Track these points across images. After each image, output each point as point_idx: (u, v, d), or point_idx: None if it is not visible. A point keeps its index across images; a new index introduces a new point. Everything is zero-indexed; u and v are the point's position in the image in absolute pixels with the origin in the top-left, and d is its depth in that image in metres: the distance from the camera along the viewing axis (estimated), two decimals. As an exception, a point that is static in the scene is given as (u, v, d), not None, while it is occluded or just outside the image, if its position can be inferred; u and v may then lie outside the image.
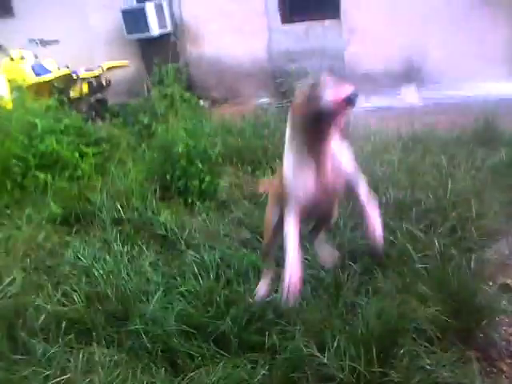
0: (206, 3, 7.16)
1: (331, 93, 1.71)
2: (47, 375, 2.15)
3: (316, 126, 1.81)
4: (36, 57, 6.55)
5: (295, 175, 1.95)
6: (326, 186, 1.96)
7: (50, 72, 6.19)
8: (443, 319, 2.24)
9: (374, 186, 3.15)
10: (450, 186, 2.96)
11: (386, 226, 2.72)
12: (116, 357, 2.25)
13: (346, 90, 1.69)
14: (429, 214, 2.84)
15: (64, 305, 2.62)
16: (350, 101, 1.70)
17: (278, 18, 6.70)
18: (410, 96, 5.83)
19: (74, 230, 3.49)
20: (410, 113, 5.19)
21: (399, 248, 2.66)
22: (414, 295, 2.36)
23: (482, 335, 2.29)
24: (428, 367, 2.04)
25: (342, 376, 1.98)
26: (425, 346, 2.17)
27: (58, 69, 6.30)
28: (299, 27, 6.55)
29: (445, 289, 2.36)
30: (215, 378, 2.05)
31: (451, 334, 2.24)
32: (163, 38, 7.58)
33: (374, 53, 5.92)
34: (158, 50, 7.30)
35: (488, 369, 2.16)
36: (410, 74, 5.86)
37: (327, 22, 6.29)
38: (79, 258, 3.01)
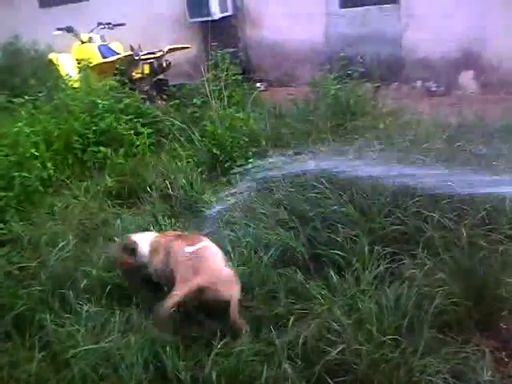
0: (267, -13, 7.23)
1: None
2: (88, 331, 2.41)
3: None
4: (103, 39, 6.93)
5: None
6: None
7: (115, 54, 6.53)
8: (464, 307, 2.29)
9: (411, 174, 3.20)
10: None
11: (417, 213, 2.80)
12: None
13: None
14: (461, 204, 2.83)
15: (109, 271, 2.88)
16: None
17: (336, 2, 6.66)
18: (467, 83, 5.67)
19: (126, 203, 3.78)
20: (465, 100, 5.07)
21: (428, 236, 2.69)
22: (437, 282, 2.41)
23: (503, 326, 2.32)
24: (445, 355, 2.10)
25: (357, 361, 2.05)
26: (443, 333, 2.24)
27: (124, 51, 6.63)
28: (357, 11, 6.48)
29: (469, 278, 2.39)
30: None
31: (471, 323, 2.28)
32: (224, 21, 7.74)
33: (432, 38, 5.76)
34: (219, 33, 7.46)
35: (506, 359, 2.20)
36: (469, 61, 5.68)
37: (385, 7, 6.19)
38: (128, 229, 3.26)
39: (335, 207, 2.98)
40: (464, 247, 2.55)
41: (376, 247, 2.69)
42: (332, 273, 2.57)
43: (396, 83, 6.09)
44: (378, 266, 2.58)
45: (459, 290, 2.34)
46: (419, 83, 6.10)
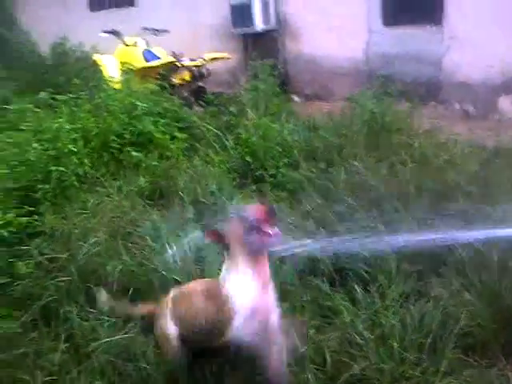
0: (310, 2, 7.29)
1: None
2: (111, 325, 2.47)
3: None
4: (147, 44, 7.11)
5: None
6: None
7: (158, 59, 6.69)
8: (490, 331, 2.25)
9: (446, 195, 3.17)
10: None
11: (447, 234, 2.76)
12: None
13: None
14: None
15: (133, 271, 2.92)
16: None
17: (379, 20, 6.65)
18: (506, 108, 5.57)
19: (157, 204, 3.84)
20: (503, 124, 4.98)
21: (457, 257, 2.64)
22: (463, 303, 2.36)
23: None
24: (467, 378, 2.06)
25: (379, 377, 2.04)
26: (466, 355, 2.19)
27: (166, 56, 6.79)
28: (399, 31, 6.45)
29: (497, 302, 2.34)
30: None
31: (496, 347, 2.23)
32: (266, 34, 7.83)
33: (473, 61, 5.68)
34: (260, 45, 7.56)
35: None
36: (510, 85, 5.57)
37: (428, 27, 6.13)
38: (157, 230, 3.31)
39: (364, 221, 2.96)
40: (494, 270, 2.50)
41: (403, 264, 2.67)
42: (356, 287, 2.56)
43: (433, 103, 6.02)
44: (405, 282, 2.56)
45: (486, 312, 2.30)
46: (457, 105, 6.03)
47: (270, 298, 1.99)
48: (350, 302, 2.49)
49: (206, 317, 2.02)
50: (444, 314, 2.28)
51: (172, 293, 2.27)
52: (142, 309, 2.48)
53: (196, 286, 2.22)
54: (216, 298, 1.98)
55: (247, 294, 1.92)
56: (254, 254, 1.91)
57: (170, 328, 2.13)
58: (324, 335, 2.31)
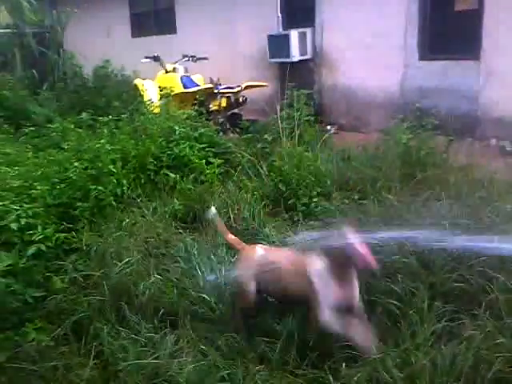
0: (348, 35, 7.39)
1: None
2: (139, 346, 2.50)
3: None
4: (186, 71, 7.32)
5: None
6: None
7: (196, 85, 6.87)
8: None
9: (479, 231, 3.11)
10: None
11: (481, 272, 2.71)
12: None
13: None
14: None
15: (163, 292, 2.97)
16: None
17: (416, 54, 6.67)
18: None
19: (190, 227, 3.90)
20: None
21: (491, 297, 2.59)
22: (497, 347, 2.30)
23: None
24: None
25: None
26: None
27: (204, 83, 6.97)
28: (436, 65, 6.46)
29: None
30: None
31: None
32: (302, 63, 7.96)
33: (510, 97, 5.65)
34: (296, 75, 7.66)
35: None
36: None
37: (465, 62, 6.13)
38: (188, 252, 3.36)
39: (396, 256, 2.93)
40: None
41: (436, 303, 2.63)
42: (387, 322, 2.53)
43: (470, 139, 5.96)
44: (437, 321, 2.51)
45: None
46: (494, 141, 5.95)
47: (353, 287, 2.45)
48: (379, 338, 2.46)
49: (293, 290, 2.49)
50: (476, 357, 2.21)
51: (258, 251, 2.71)
52: (229, 238, 2.91)
53: (283, 256, 2.66)
54: (303, 276, 2.43)
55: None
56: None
57: (251, 284, 2.58)
58: (352, 370, 2.28)
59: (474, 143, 5.91)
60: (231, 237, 2.92)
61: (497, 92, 5.81)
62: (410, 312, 2.56)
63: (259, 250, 2.72)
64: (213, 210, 2.99)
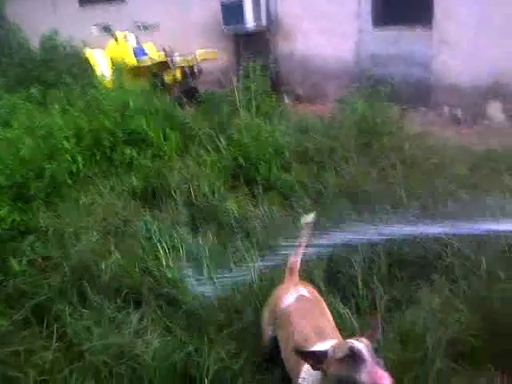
0: (302, 1, 7.29)
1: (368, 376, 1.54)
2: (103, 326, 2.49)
3: None
4: (137, 39, 7.07)
5: None
6: None
7: (147, 55, 6.66)
8: (479, 339, 2.27)
9: (435, 200, 3.22)
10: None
11: (439, 240, 2.81)
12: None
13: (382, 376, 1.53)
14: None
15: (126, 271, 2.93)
16: None
17: (370, 21, 6.68)
18: (494, 113, 5.66)
19: (150, 204, 3.84)
20: (491, 130, 5.06)
21: (447, 264, 2.70)
22: (452, 311, 2.41)
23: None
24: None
25: None
26: (455, 362, 2.22)
27: (156, 52, 6.76)
28: (389, 32, 6.49)
29: (485, 309, 2.38)
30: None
31: (485, 356, 2.24)
32: (257, 33, 7.83)
33: (462, 65, 5.75)
34: (251, 45, 7.56)
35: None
36: (498, 90, 5.65)
37: (418, 30, 6.20)
38: (148, 230, 3.32)
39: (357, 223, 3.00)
40: (482, 277, 2.55)
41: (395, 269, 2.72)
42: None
43: (424, 108, 6.09)
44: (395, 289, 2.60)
45: (476, 320, 2.33)
46: (446, 109, 6.09)
47: None
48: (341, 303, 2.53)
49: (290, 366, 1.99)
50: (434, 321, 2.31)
51: (283, 303, 2.18)
52: (294, 261, 2.39)
53: (302, 324, 2.05)
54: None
55: None
56: None
57: (268, 330, 2.26)
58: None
59: (427, 112, 6.05)
60: (297, 261, 2.41)
61: (449, 59, 5.91)
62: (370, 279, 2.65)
63: (284, 300, 2.19)
64: (312, 215, 2.48)
